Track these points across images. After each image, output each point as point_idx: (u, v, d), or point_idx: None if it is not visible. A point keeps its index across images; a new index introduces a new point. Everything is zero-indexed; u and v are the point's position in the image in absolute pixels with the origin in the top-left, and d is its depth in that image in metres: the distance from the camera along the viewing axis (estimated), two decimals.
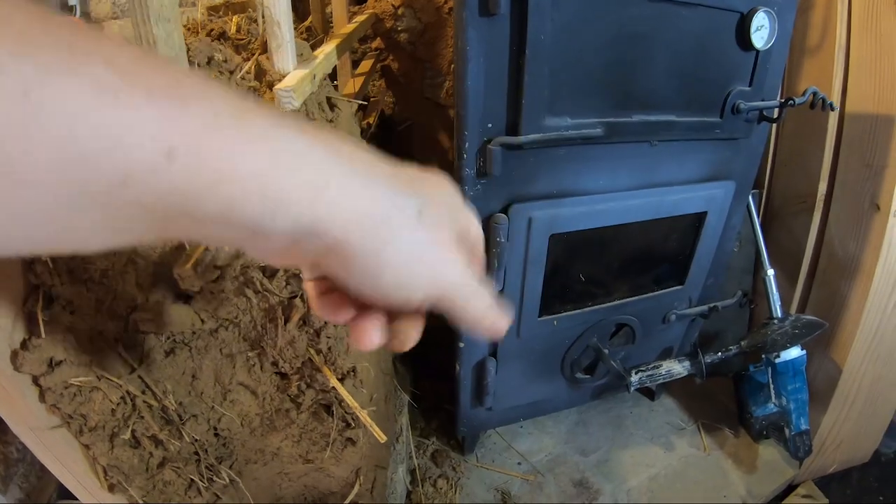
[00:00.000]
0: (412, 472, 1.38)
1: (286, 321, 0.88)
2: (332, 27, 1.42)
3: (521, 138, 0.98)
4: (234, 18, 1.04)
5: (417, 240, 0.28)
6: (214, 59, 0.87)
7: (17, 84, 0.18)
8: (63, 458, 0.87)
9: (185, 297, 0.88)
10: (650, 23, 0.97)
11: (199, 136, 0.22)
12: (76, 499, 1.51)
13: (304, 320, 0.89)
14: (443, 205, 0.31)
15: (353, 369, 0.94)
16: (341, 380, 0.91)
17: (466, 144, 0.99)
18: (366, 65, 1.47)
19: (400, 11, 1.42)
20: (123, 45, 0.21)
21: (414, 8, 1.42)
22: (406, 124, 1.54)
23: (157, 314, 0.83)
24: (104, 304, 0.82)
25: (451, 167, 1.54)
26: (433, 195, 0.30)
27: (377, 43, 1.53)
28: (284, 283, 0.87)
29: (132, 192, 0.21)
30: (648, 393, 1.73)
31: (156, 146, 0.20)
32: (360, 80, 1.37)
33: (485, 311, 0.33)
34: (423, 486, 1.37)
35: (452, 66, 1.41)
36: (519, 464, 1.52)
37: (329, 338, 0.90)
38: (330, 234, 0.25)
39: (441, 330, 1.58)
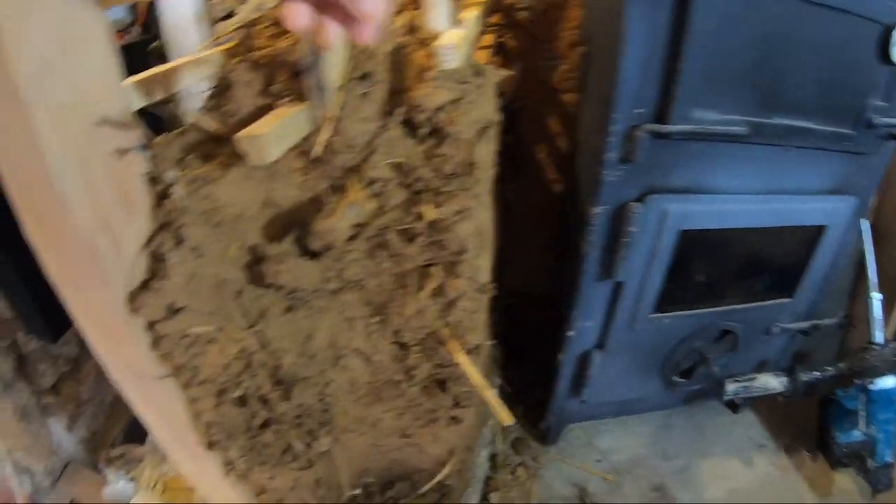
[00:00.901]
0: (492, 457, 1.33)
1: (419, 289, 0.80)
2: None
3: (671, 127, 0.94)
4: None
5: None
6: None
7: None
8: (163, 410, 0.81)
9: (312, 254, 0.80)
10: (798, 23, 0.94)
11: None
12: (141, 443, 1.48)
13: (439, 290, 0.81)
14: None
15: (478, 347, 0.86)
16: None
17: (613, 128, 0.95)
18: (487, 39, 1.38)
19: None
20: None
21: None
22: (519, 104, 1.45)
23: (283, 268, 0.75)
24: (229, 251, 0.75)
25: (558, 153, 1.47)
26: None
27: (496, 18, 1.44)
28: (421, 250, 0.79)
29: None
30: (732, 405, 1.68)
31: None
32: (482, 55, 1.29)
33: None
34: (501, 472, 1.32)
35: (572, 49, 1.34)
36: (599, 461, 1.47)
37: (462, 310, 0.81)
38: None
39: (536, 318, 1.51)
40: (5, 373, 1.31)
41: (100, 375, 1.48)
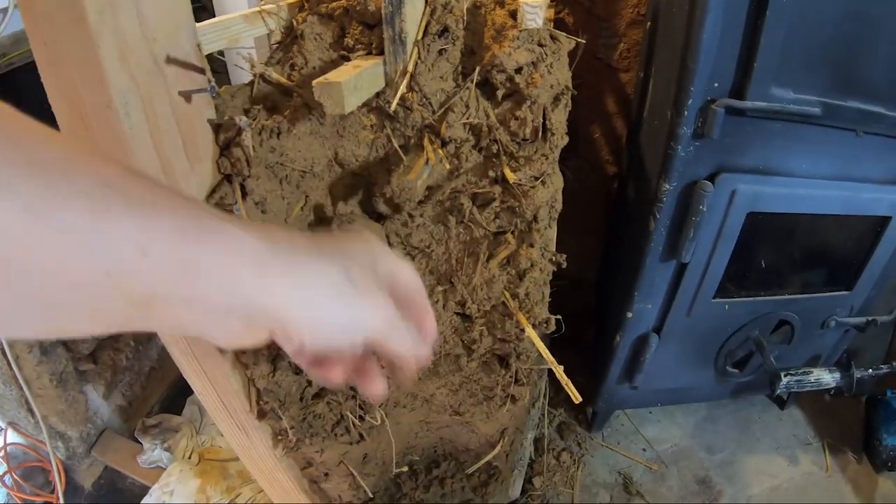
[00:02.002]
0: (537, 441, 1.29)
1: (489, 258, 0.76)
2: None
3: (748, 103, 0.89)
4: None
5: (346, 294, 0.34)
6: None
7: (20, 201, 0.22)
8: (213, 375, 0.77)
9: (377, 216, 0.77)
10: (878, 6, 0.88)
11: (168, 241, 0.27)
12: (177, 413, 1.46)
13: (510, 259, 0.77)
14: (365, 263, 0.36)
15: (547, 321, 0.82)
16: None
17: (690, 101, 0.91)
18: (549, 13, 1.33)
19: None
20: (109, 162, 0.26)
21: None
22: (575, 82, 1.41)
23: (351, 222, 0.71)
24: (294, 209, 0.71)
25: (613, 133, 1.42)
26: (356, 256, 0.35)
27: None
28: (493, 216, 0.75)
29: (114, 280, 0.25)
30: (779, 400, 1.64)
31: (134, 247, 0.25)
32: None
33: (408, 349, 0.37)
34: (545, 456, 1.28)
35: (631, 27, 1.29)
36: (644, 450, 1.43)
37: (532, 282, 0.78)
38: (275, 311, 0.31)
39: (580, 302, 1.47)
40: None
41: (137, 344, 1.47)
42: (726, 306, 1.16)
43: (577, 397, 0.78)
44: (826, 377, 1.32)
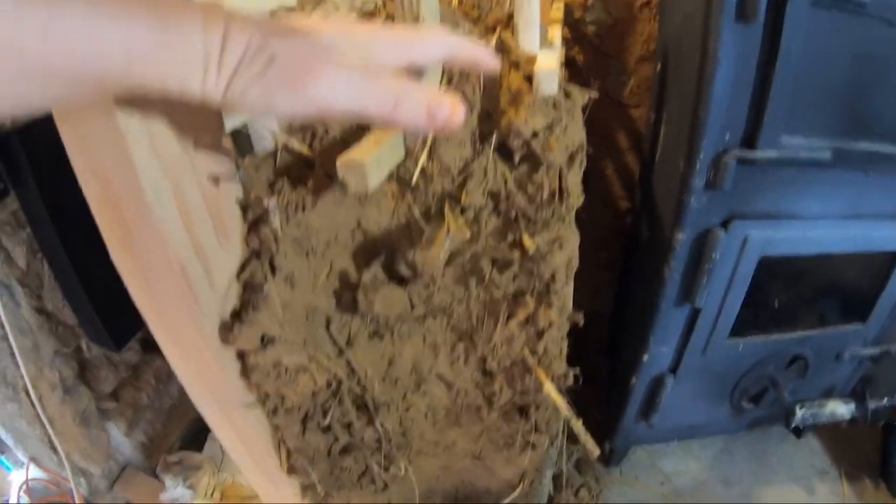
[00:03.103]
0: (555, 477, 1.31)
1: (508, 318, 0.78)
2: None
3: (758, 153, 0.92)
4: None
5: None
6: (458, 28, 0.76)
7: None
8: (244, 435, 0.80)
9: (400, 279, 0.78)
10: (887, 48, 0.91)
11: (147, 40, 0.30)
12: (200, 450, 1.49)
13: (529, 319, 0.78)
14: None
15: (565, 375, 0.84)
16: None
17: (702, 155, 0.93)
18: (561, 54, 1.36)
19: (590, 2, 1.33)
20: None
21: (605, 0, 1.32)
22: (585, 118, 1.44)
23: (377, 297, 0.73)
24: (319, 278, 0.73)
25: (625, 169, 1.44)
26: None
27: (564, 32, 1.41)
28: (512, 278, 0.77)
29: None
30: (796, 430, 1.65)
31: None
32: None
33: (421, 108, 0.37)
34: (564, 492, 1.30)
35: (640, 64, 1.32)
36: (662, 484, 1.45)
37: (551, 340, 0.79)
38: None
39: (596, 337, 1.48)
40: (67, 378, 1.33)
41: (158, 382, 1.49)
42: (740, 346, 1.18)
43: (594, 452, 0.79)
44: (841, 409, 1.33)
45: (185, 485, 1.35)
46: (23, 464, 1.42)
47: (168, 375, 1.49)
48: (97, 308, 1.19)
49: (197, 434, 1.52)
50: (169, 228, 0.59)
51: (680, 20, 1.00)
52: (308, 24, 0.38)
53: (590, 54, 1.34)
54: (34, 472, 1.44)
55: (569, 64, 1.38)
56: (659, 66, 1.12)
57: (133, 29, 0.30)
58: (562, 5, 1.25)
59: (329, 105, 0.36)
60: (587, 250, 1.24)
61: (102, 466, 1.42)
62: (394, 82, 0.38)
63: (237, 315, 0.69)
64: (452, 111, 0.39)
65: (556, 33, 0.91)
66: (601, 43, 1.32)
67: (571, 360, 0.86)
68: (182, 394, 1.56)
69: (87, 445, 1.39)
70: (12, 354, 1.21)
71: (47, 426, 1.29)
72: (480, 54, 0.47)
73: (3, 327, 1.19)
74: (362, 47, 0.39)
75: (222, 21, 0.32)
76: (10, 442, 1.35)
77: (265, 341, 0.70)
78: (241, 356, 0.71)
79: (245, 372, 0.72)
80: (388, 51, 0.42)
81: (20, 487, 1.39)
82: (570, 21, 1.33)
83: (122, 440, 1.44)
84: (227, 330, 0.68)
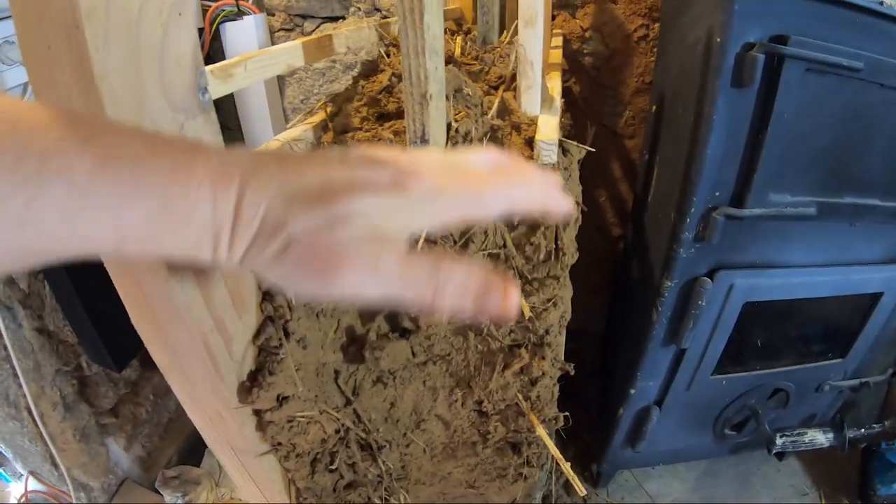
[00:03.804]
0: (545, 498, 1.38)
1: (504, 367, 0.84)
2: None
3: (746, 211, 0.96)
4: (458, 39, 0.95)
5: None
6: (462, 91, 0.79)
7: None
8: (258, 478, 0.85)
9: (403, 331, 0.83)
10: (876, 108, 0.95)
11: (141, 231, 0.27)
12: (197, 464, 1.53)
13: (524, 369, 0.84)
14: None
15: (556, 419, 0.90)
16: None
17: (693, 210, 0.97)
18: (557, 83, 1.39)
19: (587, 34, 1.36)
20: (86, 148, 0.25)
21: (602, 33, 1.35)
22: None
23: (383, 353, 0.78)
24: (329, 336, 0.78)
25: (618, 197, 1.48)
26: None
27: (563, 63, 1.45)
28: (508, 331, 0.82)
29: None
30: (778, 454, 1.71)
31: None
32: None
33: (465, 295, 0.31)
34: None
35: (636, 96, 1.34)
36: None
37: (544, 387, 0.85)
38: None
39: (585, 358, 1.54)
40: (68, 395, 1.36)
41: (157, 397, 1.53)
42: (724, 381, 1.25)
43: (581, 491, 0.85)
44: (820, 437, 1.39)
45: (184, 500, 1.40)
46: (21, 475, 1.46)
47: (166, 391, 1.52)
48: (99, 331, 1.22)
49: (195, 448, 1.57)
50: (191, 308, 0.62)
51: (677, 71, 1.03)
52: (347, 176, 0.31)
53: (587, 85, 1.38)
54: (33, 484, 1.47)
55: (566, 93, 1.42)
56: (654, 108, 1.16)
57: (125, 210, 0.26)
58: (560, 41, 1.29)
59: (355, 296, 0.30)
60: (580, 274, 1.30)
61: (101, 480, 1.46)
62: (433, 264, 0.31)
63: (254, 377, 0.73)
64: (505, 299, 0.32)
65: (556, 85, 0.95)
66: (598, 74, 1.36)
67: (563, 383, 0.92)
68: (179, 409, 1.61)
69: (86, 460, 1.42)
70: (15, 375, 1.24)
71: (49, 444, 1.33)
72: (552, 203, 0.37)
73: (5, 348, 1.22)
74: (407, 212, 0.32)
75: (237, 180, 0.28)
76: (9, 455, 1.38)
77: (280, 400, 0.74)
78: (258, 413, 0.75)
79: (261, 426, 0.76)
80: (439, 214, 0.33)
81: (19, 499, 1.42)
82: (567, 52, 1.36)
83: (120, 454, 1.48)
84: (245, 392, 0.72)
